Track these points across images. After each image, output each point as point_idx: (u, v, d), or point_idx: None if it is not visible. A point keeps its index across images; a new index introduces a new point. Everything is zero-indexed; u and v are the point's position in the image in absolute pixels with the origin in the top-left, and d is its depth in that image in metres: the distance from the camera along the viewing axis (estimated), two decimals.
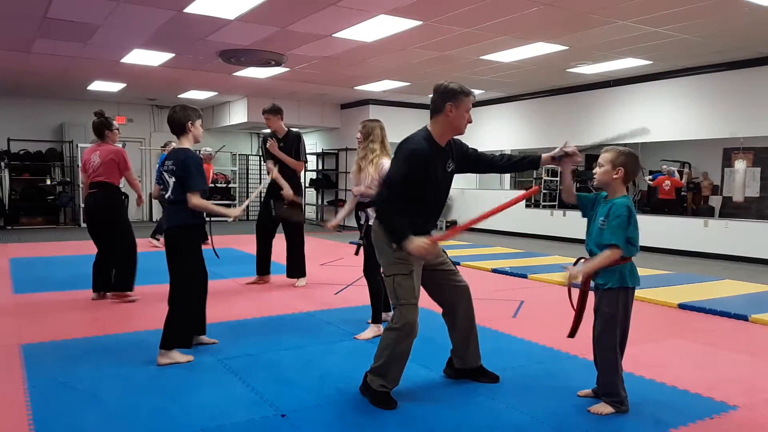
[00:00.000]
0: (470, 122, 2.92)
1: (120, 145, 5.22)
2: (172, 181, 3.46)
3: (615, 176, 2.79)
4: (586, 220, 2.97)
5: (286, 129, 5.79)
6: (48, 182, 12.61)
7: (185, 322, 3.53)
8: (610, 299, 2.80)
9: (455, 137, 3.02)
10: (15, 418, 2.68)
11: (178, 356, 3.49)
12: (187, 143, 3.56)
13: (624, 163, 2.78)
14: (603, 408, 2.83)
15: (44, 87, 11.37)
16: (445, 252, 3.19)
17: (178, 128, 3.55)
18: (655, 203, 11.54)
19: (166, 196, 3.51)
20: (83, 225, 12.24)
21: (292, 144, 5.48)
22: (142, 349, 3.72)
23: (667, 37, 6.95)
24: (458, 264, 7.49)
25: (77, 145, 12.58)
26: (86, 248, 8.59)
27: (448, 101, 2.84)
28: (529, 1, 5.69)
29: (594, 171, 2.89)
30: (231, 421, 2.67)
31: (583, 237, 2.96)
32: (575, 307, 2.87)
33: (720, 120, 8.62)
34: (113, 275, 5.12)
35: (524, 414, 2.82)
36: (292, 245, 5.86)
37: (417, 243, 2.72)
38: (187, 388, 3.09)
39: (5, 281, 5.97)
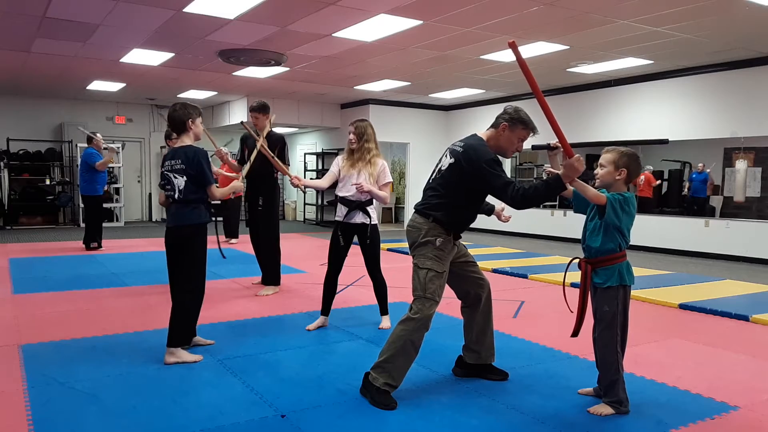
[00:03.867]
0: (519, 151, 3.07)
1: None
2: (183, 180, 3.44)
3: (618, 177, 2.80)
4: (585, 219, 2.97)
5: (270, 129, 5.55)
6: (47, 182, 12.60)
7: (194, 319, 3.61)
8: (610, 298, 2.80)
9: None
10: (14, 418, 2.67)
11: (185, 355, 3.50)
12: (188, 140, 3.58)
13: (627, 164, 2.79)
14: (603, 409, 2.83)
15: (44, 87, 11.36)
16: (465, 246, 3.27)
17: (179, 126, 3.56)
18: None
19: (176, 196, 3.47)
20: (83, 225, 12.27)
21: (275, 145, 5.27)
22: (141, 349, 3.72)
23: (668, 36, 6.95)
24: None
25: (76, 145, 12.56)
26: (85, 249, 8.61)
27: (506, 122, 2.98)
28: (529, 0, 5.69)
29: (595, 172, 2.89)
30: (231, 422, 2.67)
31: None
32: (578, 306, 2.86)
33: (720, 120, 8.62)
34: None
35: (524, 414, 2.82)
36: (263, 248, 5.54)
37: (569, 169, 2.62)
38: (187, 389, 3.09)
39: (5, 281, 5.96)
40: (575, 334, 2.88)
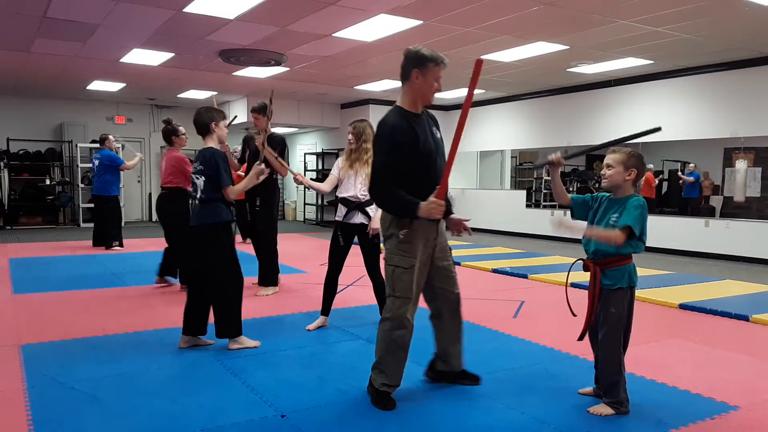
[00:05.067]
0: (438, 90, 2.85)
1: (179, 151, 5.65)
2: (202, 180, 3.61)
3: (627, 177, 2.79)
4: (591, 221, 2.96)
5: (271, 130, 5.61)
6: (47, 182, 12.60)
7: (237, 311, 3.72)
8: (618, 299, 2.79)
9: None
10: (14, 418, 2.67)
11: (247, 341, 3.72)
12: (211, 143, 3.70)
13: (636, 165, 2.79)
14: (603, 409, 2.82)
15: (44, 87, 11.36)
16: (450, 251, 3.10)
17: (203, 128, 3.71)
18: None
19: (198, 196, 3.65)
20: (83, 225, 12.29)
21: (276, 147, 5.31)
22: (142, 349, 3.72)
23: (668, 36, 6.95)
24: (458, 264, 7.48)
25: (77, 145, 12.57)
26: (86, 248, 8.62)
27: (415, 68, 2.78)
28: (529, 0, 5.69)
29: (602, 172, 2.87)
30: (231, 421, 2.67)
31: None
32: (588, 308, 2.83)
33: (721, 120, 8.62)
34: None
35: (524, 414, 2.82)
36: (261, 249, 5.60)
37: (425, 206, 2.67)
38: (187, 388, 3.09)
39: (5, 281, 5.96)
40: (583, 337, 2.86)
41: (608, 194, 2.89)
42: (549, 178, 3.04)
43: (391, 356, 2.86)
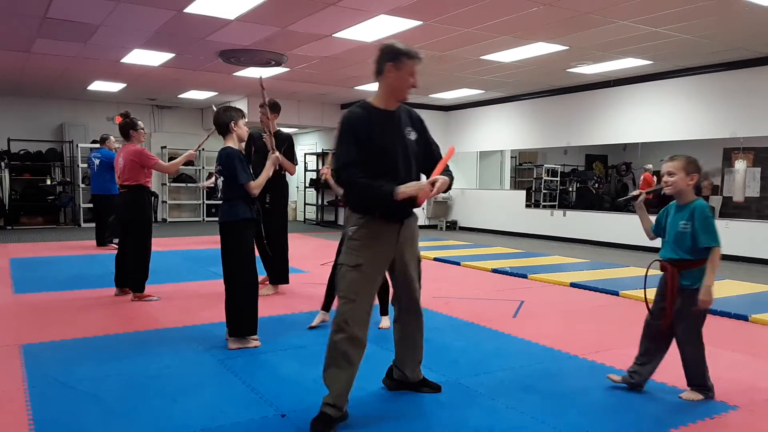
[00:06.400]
0: (414, 87, 2.70)
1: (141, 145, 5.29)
2: (220, 180, 3.72)
3: (690, 182, 2.96)
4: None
5: (277, 128, 5.61)
6: (48, 182, 12.61)
7: (249, 310, 3.74)
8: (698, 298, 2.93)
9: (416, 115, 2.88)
10: (15, 418, 2.68)
11: (248, 341, 3.76)
12: (231, 142, 3.77)
13: (696, 169, 2.97)
14: (693, 395, 3.02)
15: (44, 87, 11.37)
16: (415, 252, 2.90)
17: (222, 128, 3.78)
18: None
19: (219, 195, 3.75)
20: (84, 225, 12.30)
21: (283, 144, 5.30)
22: (142, 349, 3.73)
23: (667, 37, 6.96)
24: (458, 264, 7.49)
25: (77, 145, 12.58)
26: (86, 248, 8.63)
27: (389, 62, 2.64)
28: (529, 1, 5.69)
29: (664, 180, 3.01)
30: (231, 421, 2.67)
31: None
32: (668, 304, 2.97)
33: (720, 120, 8.62)
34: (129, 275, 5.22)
35: (524, 414, 2.82)
36: (274, 246, 5.37)
37: (408, 188, 2.52)
38: (187, 388, 3.09)
39: (5, 281, 5.97)
40: (666, 328, 3.03)
41: (672, 203, 3.07)
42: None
43: (333, 365, 2.62)
